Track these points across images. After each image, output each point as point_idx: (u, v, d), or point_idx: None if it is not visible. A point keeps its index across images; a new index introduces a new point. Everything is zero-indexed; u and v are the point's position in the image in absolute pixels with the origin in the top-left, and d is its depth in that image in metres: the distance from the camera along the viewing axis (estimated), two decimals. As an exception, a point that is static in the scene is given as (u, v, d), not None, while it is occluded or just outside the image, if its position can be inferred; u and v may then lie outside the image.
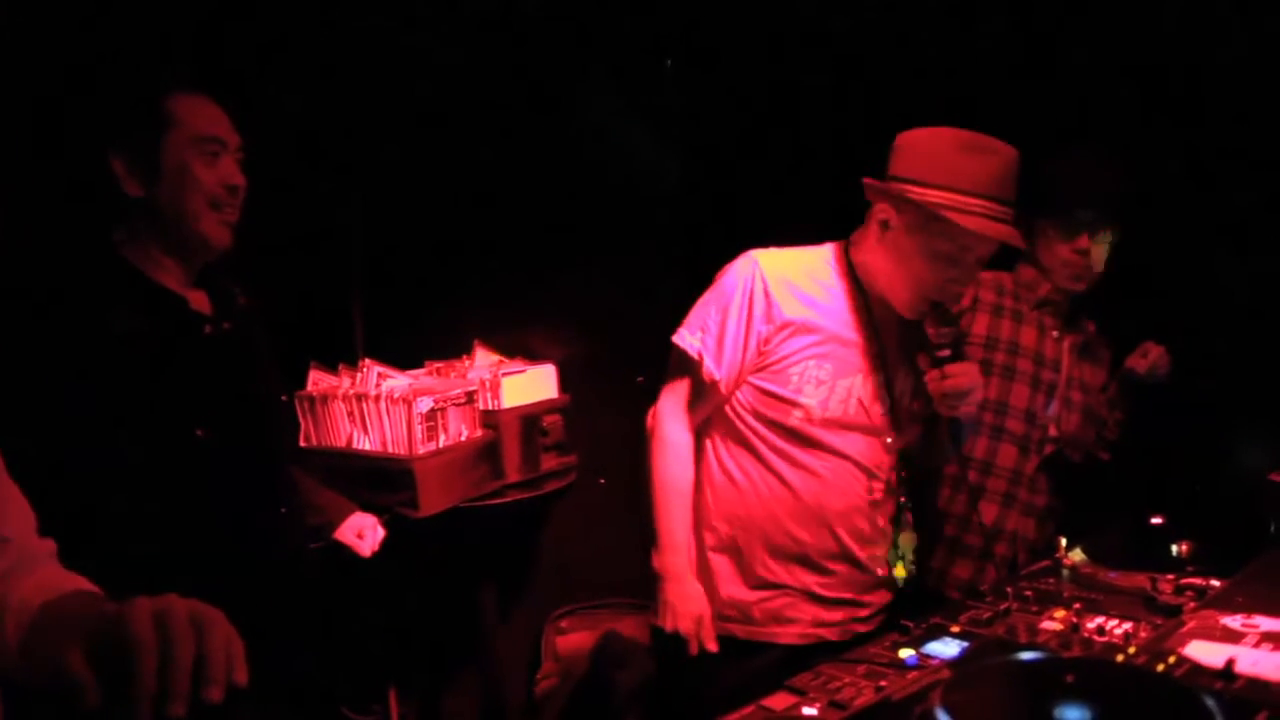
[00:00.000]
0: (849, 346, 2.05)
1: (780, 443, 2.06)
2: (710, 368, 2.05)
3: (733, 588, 2.12)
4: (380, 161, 3.30)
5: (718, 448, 2.14)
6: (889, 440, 2.12)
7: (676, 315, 2.17)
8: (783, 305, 2.01)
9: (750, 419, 2.08)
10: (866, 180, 2.01)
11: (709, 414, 2.14)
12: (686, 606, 2.05)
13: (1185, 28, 2.70)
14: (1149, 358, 2.49)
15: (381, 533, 2.46)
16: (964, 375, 1.99)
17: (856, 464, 2.08)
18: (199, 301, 1.87)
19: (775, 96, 3.33)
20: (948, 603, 2.48)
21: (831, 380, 2.03)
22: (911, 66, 3.08)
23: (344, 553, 2.40)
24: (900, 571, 2.18)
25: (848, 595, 2.14)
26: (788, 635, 2.11)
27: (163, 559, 1.27)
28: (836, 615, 2.13)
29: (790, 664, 1.91)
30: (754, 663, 2.06)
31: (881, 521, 2.14)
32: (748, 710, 1.53)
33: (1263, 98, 2.61)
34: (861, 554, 2.12)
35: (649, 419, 2.16)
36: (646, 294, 3.32)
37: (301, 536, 2.11)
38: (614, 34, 3.38)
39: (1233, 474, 2.42)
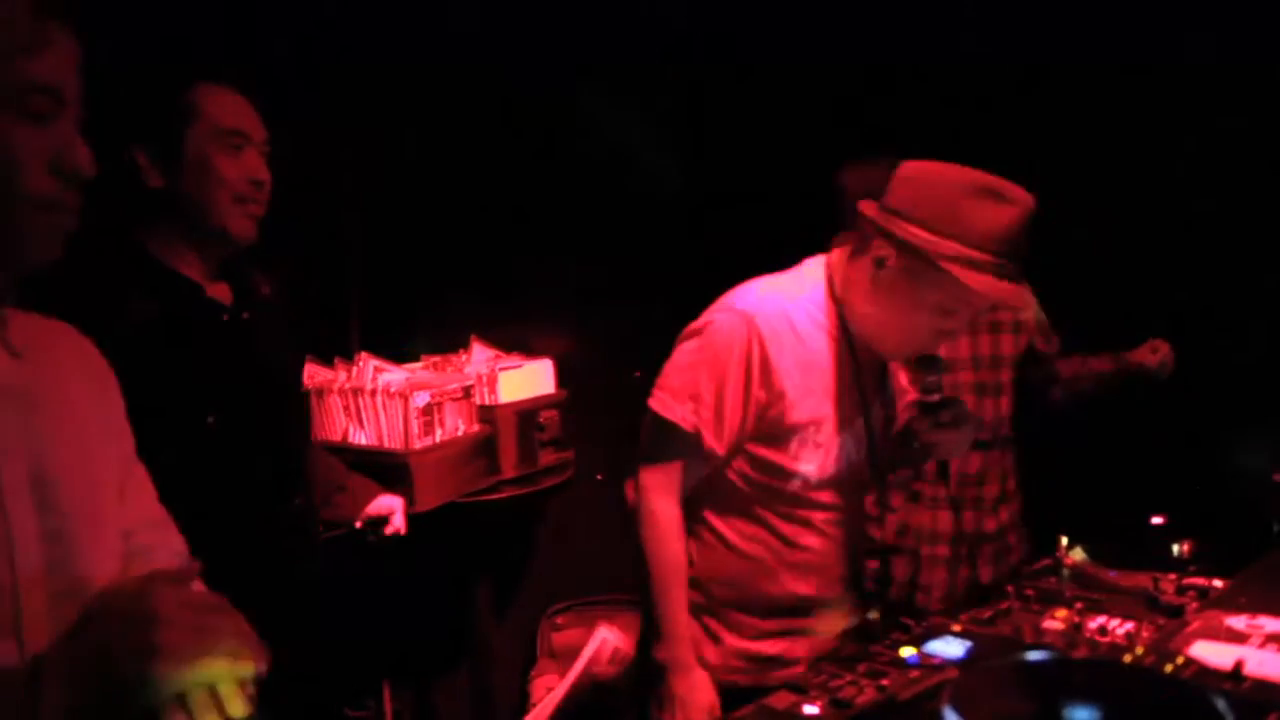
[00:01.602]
0: (837, 398, 1.92)
1: (779, 505, 1.95)
2: (711, 442, 1.87)
3: (734, 640, 2.01)
4: (378, 155, 3.28)
5: (708, 512, 2.00)
6: (895, 506, 2.08)
7: (675, 312, 2.12)
8: (781, 372, 1.85)
9: (746, 486, 1.94)
10: (867, 212, 1.84)
11: (696, 481, 1.97)
12: (697, 698, 1.90)
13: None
14: (1159, 354, 2.48)
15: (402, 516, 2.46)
16: (957, 420, 1.94)
17: (849, 511, 2.00)
18: (218, 291, 1.86)
19: (777, 93, 3.32)
20: (920, 612, 2.51)
21: (828, 442, 1.92)
22: (912, 69, 3.08)
23: (353, 540, 2.40)
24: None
25: (842, 624, 2.08)
26: (790, 676, 1.96)
27: None
28: (828, 645, 2.06)
29: None
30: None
31: (867, 554, 2.12)
32: (749, 709, 1.53)
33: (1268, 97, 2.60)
34: (851, 588, 2.08)
35: (629, 491, 1.97)
36: (645, 290, 3.32)
37: (315, 529, 2.09)
38: (617, 30, 3.37)
39: (1233, 473, 2.42)
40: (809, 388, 1.87)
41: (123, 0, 2.35)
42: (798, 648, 2.02)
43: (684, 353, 1.92)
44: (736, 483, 1.94)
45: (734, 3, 3.31)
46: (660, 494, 1.91)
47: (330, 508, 2.34)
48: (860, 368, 1.92)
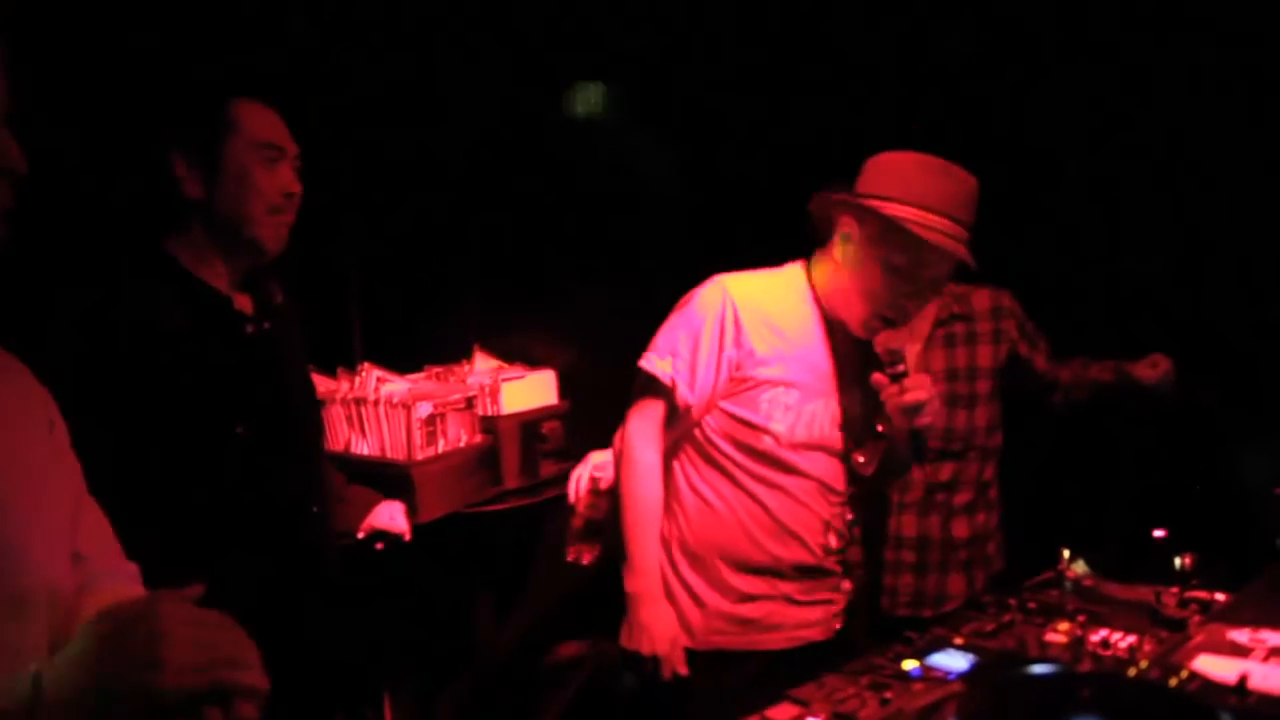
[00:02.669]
0: (813, 371, 2.09)
1: (752, 465, 2.09)
2: (684, 394, 2.07)
3: (716, 602, 2.14)
4: (380, 165, 3.29)
5: (688, 470, 2.16)
6: (860, 461, 2.16)
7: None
8: (751, 333, 2.05)
9: (722, 442, 2.11)
10: (831, 195, 2.05)
11: (678, 436, 2.16)
12: (661, 629, 2.06)
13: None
14: (1159, 369, 2.48)
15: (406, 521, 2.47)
16: (919, 387, 2.01)
17: (821, 482, 2.13)
18: (242, 302, 1.90)
19: (779, 100, 3.33)
20: (898, 622, 2.53)
21: (798, 405, 2.07)
22: (915, 72, 3.08)
23: (359, 551, 2.40)
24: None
25: (823, 595, 2.19)
26: (773, 641, 2.14)
27: (195, 554, 1.28)
28: (817, 614, 2.18)
29: (780, 668, 1.98)
30: (743, 670, 2.09)
31: (845, 531, 2.20)
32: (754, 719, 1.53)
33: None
34: (829, 561, 2.18)
35: (616, 440, 2.18)
36: (647, 300, 3.31)
37: (331, 536, 2.12)
38: (618, 38, 3.38)
39: (1235, 487, 2.42)
40: (780, 352, 2.07)
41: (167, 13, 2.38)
42: (779, 614, 2.14)
43: (670, 319, 2.14)
44: (719, 442, 2.11)
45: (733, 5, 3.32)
46: (641, 441, 2.12)
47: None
48: (838, 352, 2.12)
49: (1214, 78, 2.69)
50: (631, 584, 2.10)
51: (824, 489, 2.13)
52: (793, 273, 2.16)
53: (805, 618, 2.16)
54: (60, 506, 1.19)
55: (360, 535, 2.39)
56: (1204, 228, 2.72)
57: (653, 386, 2.11)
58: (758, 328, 2.06)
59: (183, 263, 1.81)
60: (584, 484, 2.57)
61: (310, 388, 2.13)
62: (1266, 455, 2.33)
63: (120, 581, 1.24)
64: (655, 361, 2.10)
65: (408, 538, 2.44)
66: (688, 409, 2.09)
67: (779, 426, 2.07)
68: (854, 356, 2.13)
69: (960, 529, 2.60)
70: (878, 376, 2.07)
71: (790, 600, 2.15)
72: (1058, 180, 2.92)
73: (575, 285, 3.41)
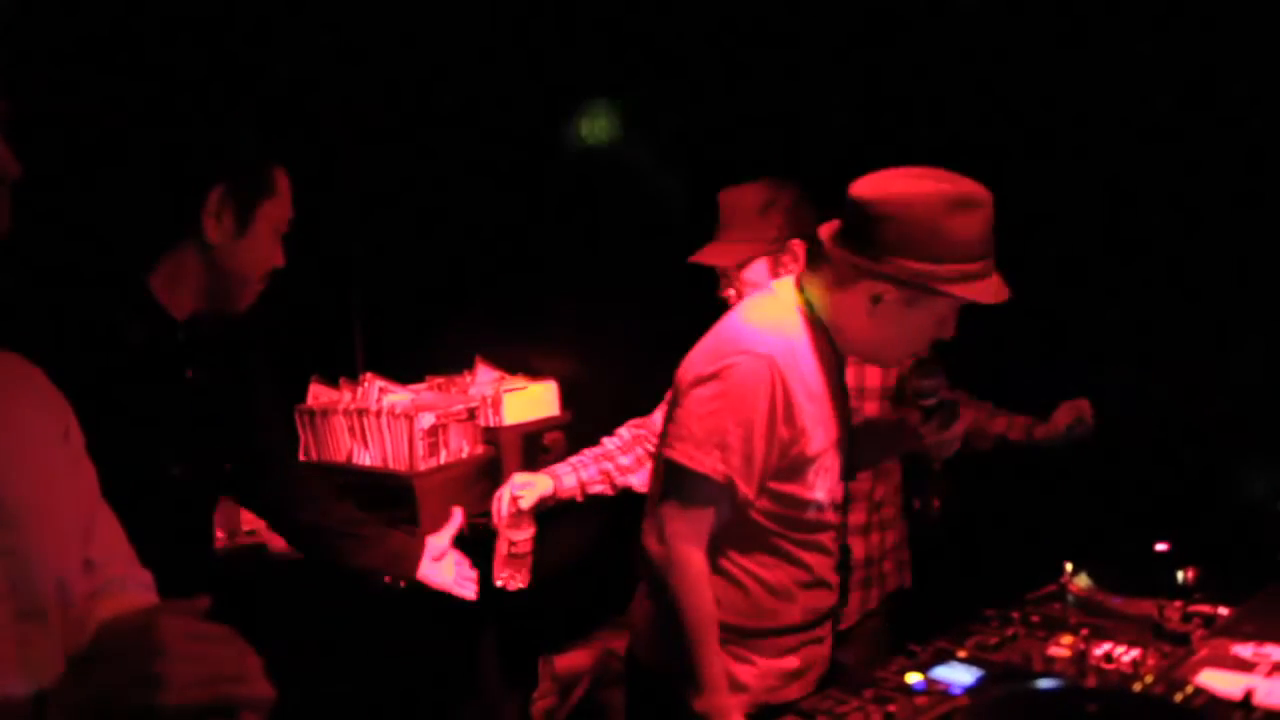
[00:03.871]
0: (829, 416, 1.97)
1: (793, 533, 1.98)
2: (743, 487, 1.87)
3: (765, 663, 2.04)
4: (383, 175, 3.30)
5: (732, 552, 2.00)
6: (922, 508, 2.13)
7: (680, 333, 2.12)
8: (799, 408, 1.88)
9: (766, 521, 1.96)
10: (856, 260, 1.83)
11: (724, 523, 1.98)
12: None
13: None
14: (1084, 414, 2.44)
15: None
16: (952, 421, 1.98)
17: (834, 526, 2.06)
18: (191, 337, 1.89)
19: (780, 112, 3.34)
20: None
21: (832, 465, 1.97)
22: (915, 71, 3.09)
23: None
24: None
25: (829, 627, 2.15)
26: (805, 685, 2.07)
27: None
28: (827, 648, 2.14)
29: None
30: None
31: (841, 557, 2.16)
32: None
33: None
34: (838, 594, 2.14)
35: (652, 544, 1.92)
36: (650, 311, 3.33)
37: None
38: (622, 52, 3.39)
39: (1238, 501, 2.41)
40: (817, 417, 1.91)
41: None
42: (810, 656, 2.08)
43: (701, 400, 1.88)
44: (758, 520, 1.95)
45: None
46: (689, 543, 1.88)
47: (339, 555, 2.29)
48: (834, 382, 1.97)
49: (1214, 77, 2.68)
50: (702, 703, 1.86)
51: (835, 530, 2.06)
52: (789, 303, 1.97)
53: (823, 654, 2.12)
54: (74, 514, 1.19)
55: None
56: (1205, 230, 2.72)
57: (699, 483, 1.87)
58: (802, 401, 1.88)
59: (153, 290, 1.78)
60: (505, 505, 2.52)
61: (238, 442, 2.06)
62: (1268, 468, 2.34)
63: (132, 589, 1.25)
64: (699, 457, 1.85)
65: (469, 596, 2.43)
66: (745, 500, 1.89)
67: (821, 493, 1.96)
68: (840, 378, 2.03)
69: (856, 549, 2.59)
70: (910, 412, 2.02)
71: (818, 641, 2.10)
72: (1054, 179, 2.91)
73: (577, 295, 3.41)
